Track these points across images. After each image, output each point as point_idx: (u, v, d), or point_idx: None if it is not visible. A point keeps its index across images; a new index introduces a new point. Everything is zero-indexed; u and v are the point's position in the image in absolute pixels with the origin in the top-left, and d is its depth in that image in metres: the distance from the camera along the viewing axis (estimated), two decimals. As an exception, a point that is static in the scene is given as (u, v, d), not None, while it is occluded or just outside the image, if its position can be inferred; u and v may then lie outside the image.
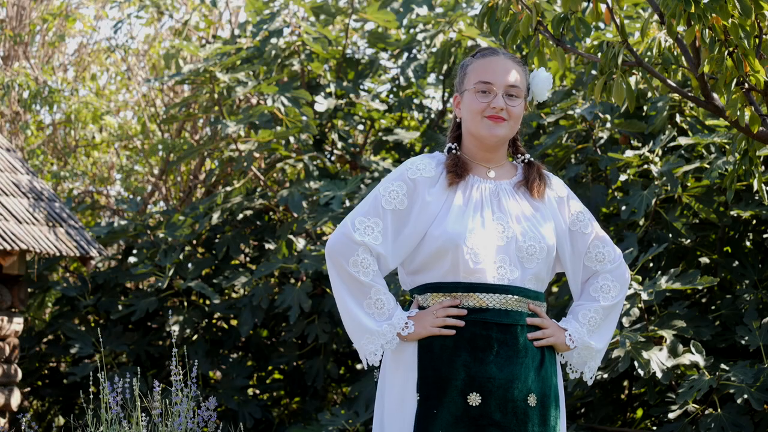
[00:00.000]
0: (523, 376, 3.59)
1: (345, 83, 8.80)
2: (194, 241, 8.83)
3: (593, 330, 3.75)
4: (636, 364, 6.19)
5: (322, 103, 8.65)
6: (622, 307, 6.46)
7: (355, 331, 3.64)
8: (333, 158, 9.09)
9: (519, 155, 3.82)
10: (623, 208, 6.80)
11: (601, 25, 7.53)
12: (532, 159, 3.80)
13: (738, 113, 4.34)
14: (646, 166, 6.92)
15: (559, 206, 3.77)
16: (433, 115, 9.13)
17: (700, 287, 6.32)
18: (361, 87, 9.01)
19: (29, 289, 8.87)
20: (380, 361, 3.66)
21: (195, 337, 8.60)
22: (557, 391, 3.69)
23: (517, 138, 3.81)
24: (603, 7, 4.41)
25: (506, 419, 3.56)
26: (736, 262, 6.87)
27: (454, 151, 3.75)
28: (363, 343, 3.63)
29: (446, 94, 8.93)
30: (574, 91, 7.63)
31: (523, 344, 3.63)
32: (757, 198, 6.61)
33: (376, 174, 8.49)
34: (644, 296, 6.33)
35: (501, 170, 3.75)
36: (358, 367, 8.70)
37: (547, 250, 3.67)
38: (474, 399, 3.55)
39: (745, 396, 6.10)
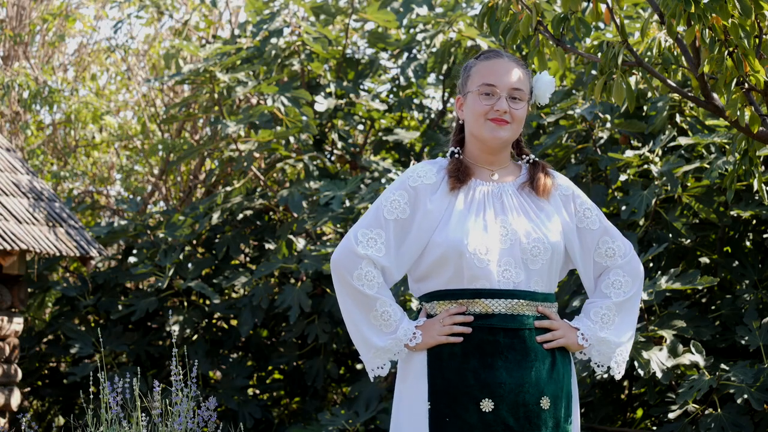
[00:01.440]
0: (534, 380, 3.58)
1: (345, 83, 8.80)
2: (194, 241, 8.82)
3: (606, 326, 3.71)
4: (636, 364, 6.18)
5: (322, 103, 8.65)
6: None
7: (362, 346, 3.67)
8: (333, 158, 9.09)
9: (524, 156, 3.80)
10: (623, 208, 6.79)
11: (601, 25, 7.53)
12: (537, 159, 3.79)
13: (738, 113, 4.33)
14: (646, 166, 6.91)
15: (565, 204, 3.75)
16: (433, 115, 9.13)
17: (700, 287, 6.32)
18: (361, 87, 9.01)
19: (29, 289, 8.87)
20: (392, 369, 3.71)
21: (195, 337, 8.60)
22: (569, 391, 3.67)
23: (520, 139, 3.80)
24: (603, 7, 4.41)
25: (519, 424, 3.55)
26: (736, 262, 6.87)
27: (456, 155, 3.74)
28: (369, 358, 3.66)
29: (446, 94, 8.93)
30: (574, 91, 7.62)
31: (532, 347, 3.61)
32: (757, 198, 6.61)
33: (376, 174, 8.49)
34: (644, 296, 6.33)
35: (504, 171, 3.74)
36: (358, 367, 8.70)
37: (552, 250, 3.64)
38: (487, 405, 3.55)
39: (745, 396, 6.10)
